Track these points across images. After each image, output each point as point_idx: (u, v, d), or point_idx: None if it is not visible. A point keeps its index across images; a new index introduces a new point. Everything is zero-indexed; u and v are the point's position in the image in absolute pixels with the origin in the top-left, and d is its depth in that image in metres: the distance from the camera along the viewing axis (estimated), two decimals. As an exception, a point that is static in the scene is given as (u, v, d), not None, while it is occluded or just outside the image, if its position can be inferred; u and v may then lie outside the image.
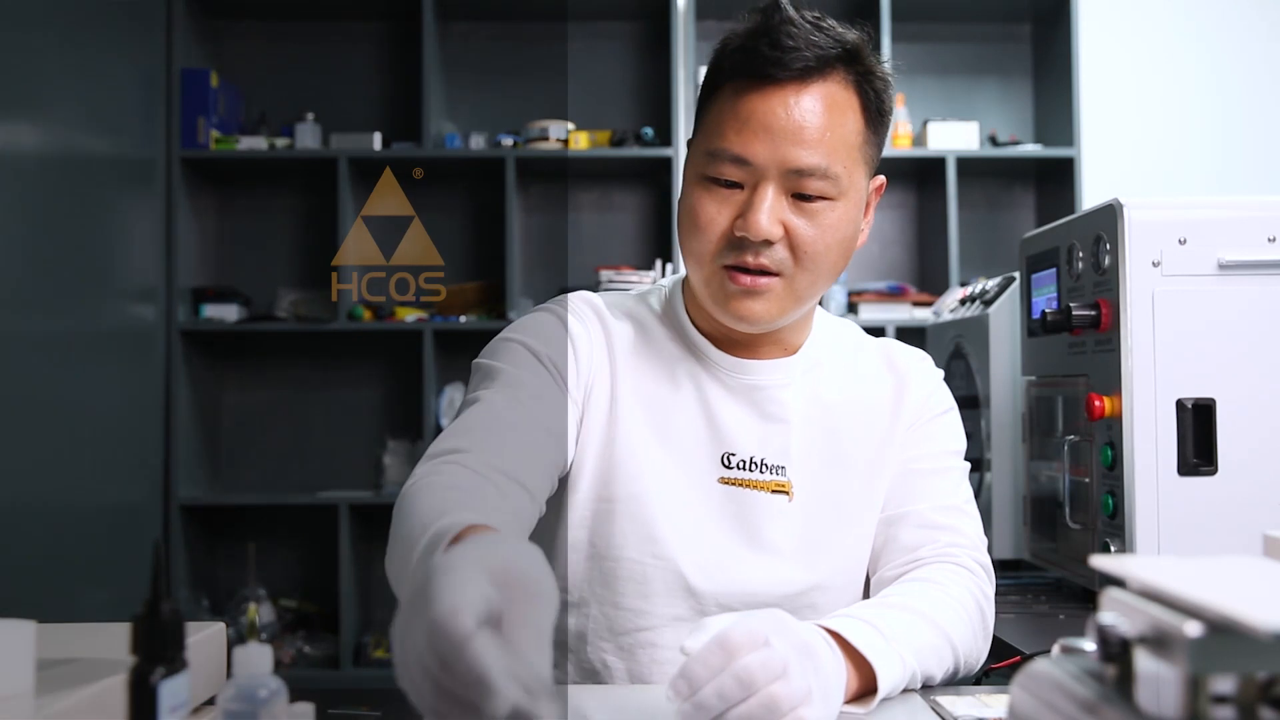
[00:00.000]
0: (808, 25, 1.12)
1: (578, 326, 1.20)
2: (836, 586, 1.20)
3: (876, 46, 1.17)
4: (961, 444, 1.28)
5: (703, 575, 1.16)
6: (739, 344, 1.22)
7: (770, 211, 1.10)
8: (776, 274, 1.13)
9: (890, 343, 1.31)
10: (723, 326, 1.19)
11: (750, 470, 1.19)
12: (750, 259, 1.12)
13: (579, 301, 1.23)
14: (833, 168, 1.10)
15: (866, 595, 1.22)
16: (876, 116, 1.16)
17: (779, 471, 1.20)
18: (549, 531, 1.21)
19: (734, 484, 1.19)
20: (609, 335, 1.21)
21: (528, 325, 1.20)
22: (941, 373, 1.30)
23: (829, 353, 1.26)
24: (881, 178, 1.22)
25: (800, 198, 1.11)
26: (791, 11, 1.13)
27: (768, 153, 1.10)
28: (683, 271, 1.23)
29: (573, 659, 1.20)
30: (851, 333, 1.31)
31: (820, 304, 1.29)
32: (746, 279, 1.12)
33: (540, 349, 1.16)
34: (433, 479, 0.99)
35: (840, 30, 1.14)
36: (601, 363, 1.20)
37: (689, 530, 1.17)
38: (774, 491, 1.19)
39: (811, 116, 1.10)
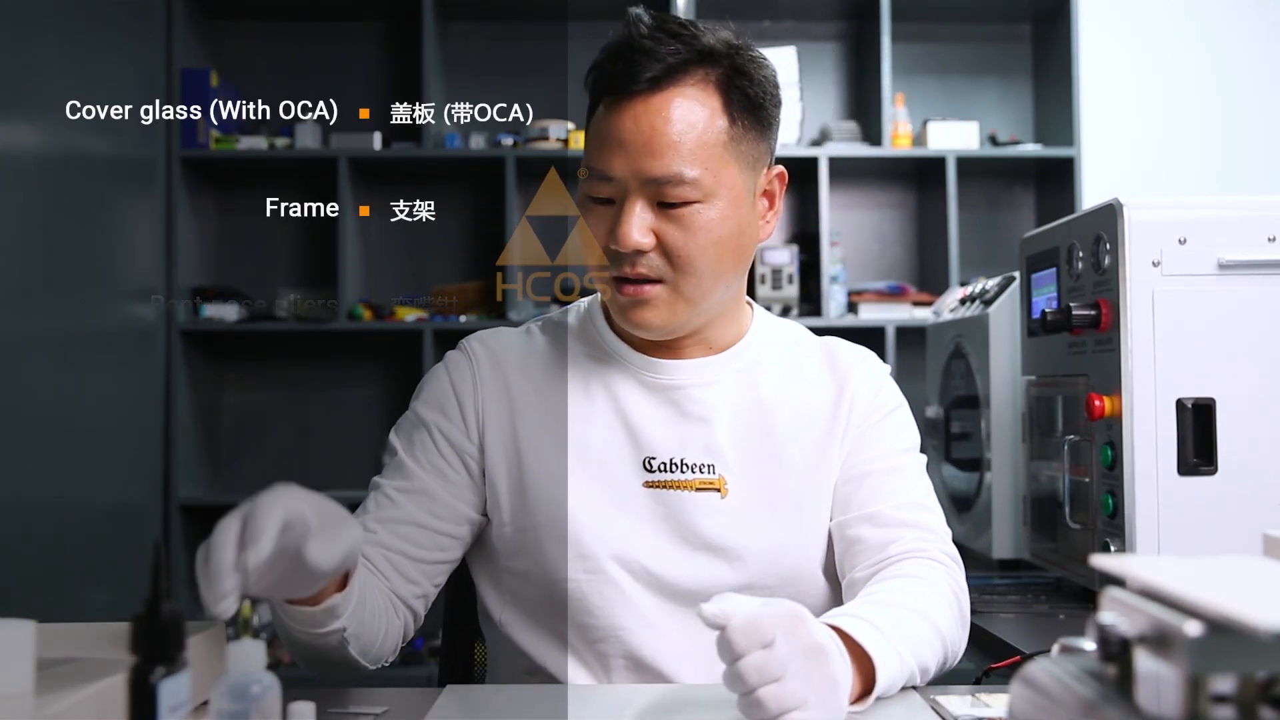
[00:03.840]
0: (661, 34, 1.13)
1: (463, 378, 1.23)
2: (770, 586, 1.18)
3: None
4: (914, 439, 1.28)
5: (638, 582, 1.17)
6: (661, 345, 1.22)
7: (635, 222, 1.12)
8: (658, 280, 1.14)
9: (833, 341, 1.31)
10: None
11: (673, 471, 1.19)
12: (628, 269, 1.14)
13: (475, 344, 1.26)
14: (689, 171, 1.11)
15: (838, 598, 1.21)
16: (748, 112, 1.15)
17: (706, 469, 1.19)
18: (490, 566, 1.23)
19: (659, 486, 1.19)
20: (503, 371, 1.23)
21: (424, 389, 1.25)
22: (887, 368, 1.30)
23: (768, 352, 1.26)
24: (780, 168, 1.22)
25: (666, 205, 1.12)
26: (643, 25, 1.14)
27: (624, 166, 1.12)
28: None
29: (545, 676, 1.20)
30: (794, 332, 1.31)
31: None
32: (630, 289, 1.15)
33: (429, 418, 1.22)
34: None
35: (698, 33, 1.14)
36: (494, 401, 1.22)
37: (618, 540, 1.17)
38: (701, 489, 1.19)
39: (661, 124, 1.11)
